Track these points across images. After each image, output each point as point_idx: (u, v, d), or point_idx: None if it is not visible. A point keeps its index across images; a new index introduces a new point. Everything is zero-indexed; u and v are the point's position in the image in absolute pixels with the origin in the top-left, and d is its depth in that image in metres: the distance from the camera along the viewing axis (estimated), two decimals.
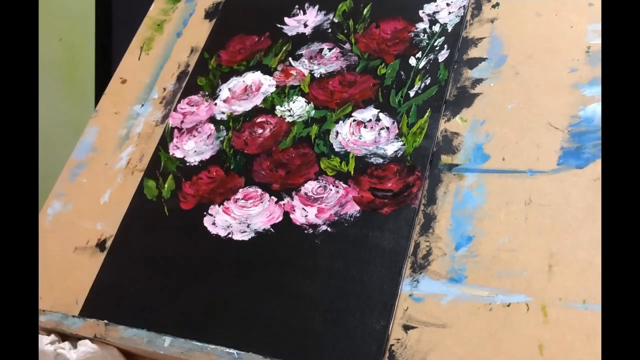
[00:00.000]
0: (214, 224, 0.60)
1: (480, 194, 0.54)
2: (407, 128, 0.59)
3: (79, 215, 0.66)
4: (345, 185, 0.58)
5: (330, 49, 0.67)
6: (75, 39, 1.39)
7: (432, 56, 0.63)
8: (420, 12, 0.66)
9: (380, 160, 0.58)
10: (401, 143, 0.59)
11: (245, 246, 0.57)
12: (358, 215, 0.56)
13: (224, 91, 0.68)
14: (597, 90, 0.56)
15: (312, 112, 0.63)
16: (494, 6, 0.64)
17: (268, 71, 0.68)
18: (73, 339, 0.58)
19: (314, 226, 0.56)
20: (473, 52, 0.62)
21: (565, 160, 0.53)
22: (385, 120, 0.60)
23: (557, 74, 0.58)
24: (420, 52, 0.63)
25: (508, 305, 0.49)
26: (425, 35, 0.64)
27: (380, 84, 0.63)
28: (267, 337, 0.52)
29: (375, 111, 0.61)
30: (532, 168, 0.54)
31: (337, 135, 0.61)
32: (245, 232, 0.58)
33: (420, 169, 0.57)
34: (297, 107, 0.64)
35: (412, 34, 0.65)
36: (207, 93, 0.69)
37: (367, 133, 0.60)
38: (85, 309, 0.59)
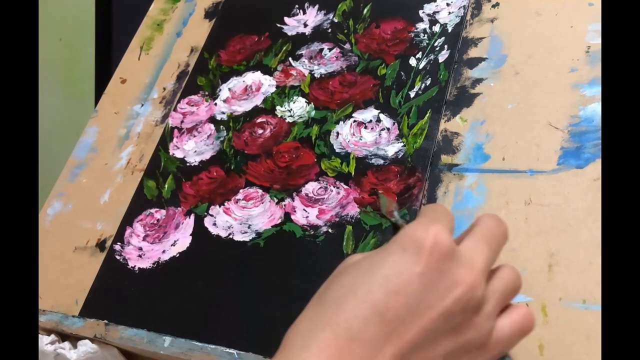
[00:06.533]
0: (214, 224, 0.60)
1: (480, 193, 0.54)
2: (407, 129, 0.59)
3: (79, 215, 0.66)
4: (346, 187, 0.58)
5: (330, 49, 0.67)
6: (75, 39, 1.39)
7: (432, 57, 0.63)
8: (420, 12, 0.66)
9: (381, 162, 0.58)
10: (402, 144, 0.59)
11: (246, 247, 0.57)
12: (359, 216, 0.56)
13: (224, 91, 0.68)
14: (597, 90, 0.56)
15: (313, 113, 0.63)
16: (494, 6, 0.64)
17: (268, 71, 0.68)
18: (73, 339, 0.58)
19: (315, 227, 0.56)
20: (473, 52, 0.62)
21: (565, 160, 0.53)
22: (386, 121, 0.60)
23: (557, 74, 0.58)
24: (420, 53, 0.63)
25: None
26: (426, 35, 0.64)
27: (380, 84, 0.63)
28: (267, 337, 0.52)
29: (376, 112, 0.61)
30: (532, 168, 0.54)
31: (337, 136, 0.61)
32: (246, 232, 0.58)
33: (421, 171, 0.57)
34: (298, 108, 0.64)
35: (412, 34, 0.65)
36: (207, 93, 0.69)
37: (367, 134, 0.60)
38: (85, 309, 0.59)
